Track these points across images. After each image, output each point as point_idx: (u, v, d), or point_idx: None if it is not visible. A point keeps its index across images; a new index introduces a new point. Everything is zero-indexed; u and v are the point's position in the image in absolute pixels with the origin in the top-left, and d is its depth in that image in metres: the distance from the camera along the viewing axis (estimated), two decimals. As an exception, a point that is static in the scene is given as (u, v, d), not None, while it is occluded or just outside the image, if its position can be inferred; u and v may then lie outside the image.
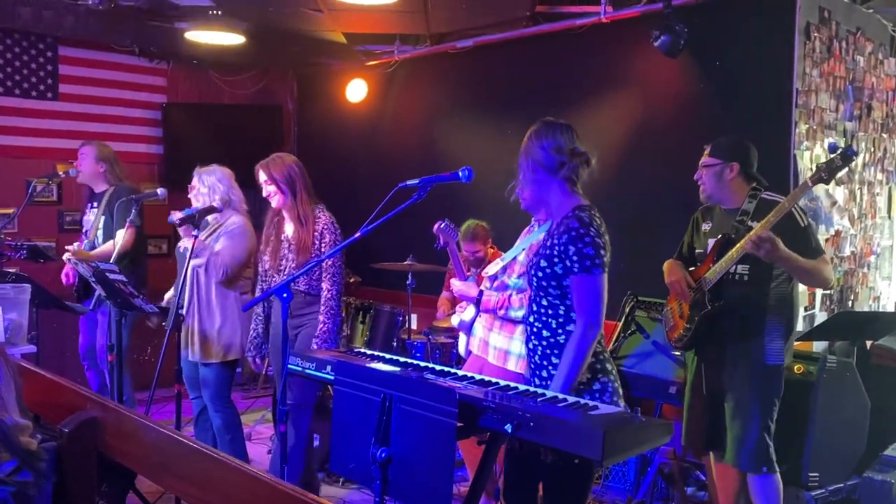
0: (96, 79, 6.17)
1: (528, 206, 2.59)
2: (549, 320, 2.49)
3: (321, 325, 3.62)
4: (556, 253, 2.42)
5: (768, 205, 2.99)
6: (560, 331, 2.47)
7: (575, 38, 4.99)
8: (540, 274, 2.47)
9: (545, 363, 2.50)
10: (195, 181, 3.97)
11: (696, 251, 3.28)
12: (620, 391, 2.52)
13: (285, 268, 3.72)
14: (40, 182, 5.30)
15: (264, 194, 3.74)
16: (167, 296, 4.26)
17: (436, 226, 4.05)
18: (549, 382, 2.48)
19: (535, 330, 2.54)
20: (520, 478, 2.59)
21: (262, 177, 3.70)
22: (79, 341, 4.96)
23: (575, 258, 2.37)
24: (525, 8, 4.97)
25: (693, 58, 4.48)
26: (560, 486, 2.45)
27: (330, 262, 3.62)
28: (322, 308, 3.63)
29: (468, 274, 4.12)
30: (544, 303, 2.49)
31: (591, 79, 5.05)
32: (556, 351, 2.47)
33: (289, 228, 3.75)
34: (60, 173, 5.20)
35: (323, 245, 3.63)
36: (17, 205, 5.20)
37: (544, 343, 2.50)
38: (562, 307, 2.46)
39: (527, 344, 2.61)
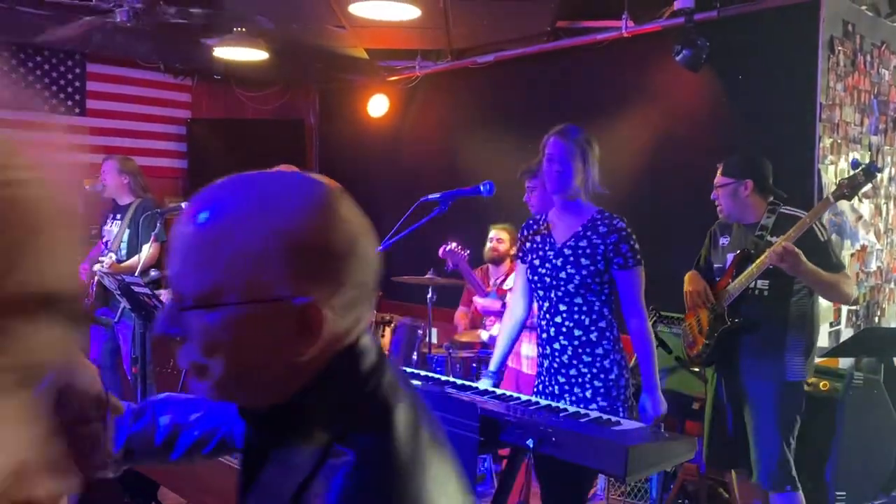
0: (123, 95, 6.27)
1: (560, 187, 2.60)
2: (583, 318, 2.54)
3: None
4: (599, 251, 2.53)
5: (788, 219, 2.96)
6: (592, 328, 2.54)
7: (596, 53, 4.99)
8: (584, 272, 2.53)
9: (575, 362, 2.54)
10: None
11: (715, 265, 3.25)
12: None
13: None
14: (67, 196, 5.36)
15: None
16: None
17: (441, 250, 4.00)
18: (576, 379, 2.54)
19: (564, 330, 2.58)
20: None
21: None
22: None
23: (629, 254, 2.54)
24: (546, 23, 4.98)
25: (715, 72, 4.46)
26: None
27: None
28: None
29: (488, 290, 4.11)
30: (578, 300, 2.54)
31: (612, 93, 5.04)
32: (587, 349, 2.53)
33: None
34: (87, 187, 5.27)
35: None
36: (44, 218, 5.27)
37: (576, 342, 2.55)
38: (597, 303, 2.55)
39: (549, 344, 2.62)
